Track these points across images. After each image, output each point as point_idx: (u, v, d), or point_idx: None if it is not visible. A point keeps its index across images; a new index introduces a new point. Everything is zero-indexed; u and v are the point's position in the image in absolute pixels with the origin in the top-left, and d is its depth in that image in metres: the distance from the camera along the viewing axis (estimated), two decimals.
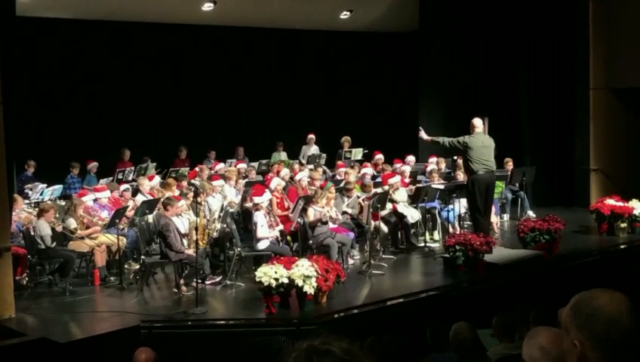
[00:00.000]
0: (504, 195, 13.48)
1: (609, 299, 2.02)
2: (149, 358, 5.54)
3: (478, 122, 10.75)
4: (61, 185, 12.57)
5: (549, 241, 10.47)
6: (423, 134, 11.16)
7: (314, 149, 15.95)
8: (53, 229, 9.57)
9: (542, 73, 15.15)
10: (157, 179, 12.39)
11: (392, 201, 11.51)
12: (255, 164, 14.69)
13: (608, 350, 1.97)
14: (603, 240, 11.83)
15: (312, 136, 16.18)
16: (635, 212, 11.90)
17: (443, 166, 13.84)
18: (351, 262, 10.61)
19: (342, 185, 11.71)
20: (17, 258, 9.05)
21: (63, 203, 11.25)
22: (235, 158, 15.34)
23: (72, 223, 9.88)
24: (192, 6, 15.42)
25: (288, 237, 10.47)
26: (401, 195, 11.72)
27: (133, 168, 13.68)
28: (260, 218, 9.69)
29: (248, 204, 10.98)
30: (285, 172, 12.50)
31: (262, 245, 9.70)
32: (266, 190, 10.45)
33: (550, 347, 2.86)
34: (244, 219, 11.09)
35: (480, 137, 10.72)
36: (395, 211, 11.47)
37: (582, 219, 12.87)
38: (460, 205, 11.74)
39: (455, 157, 12.71)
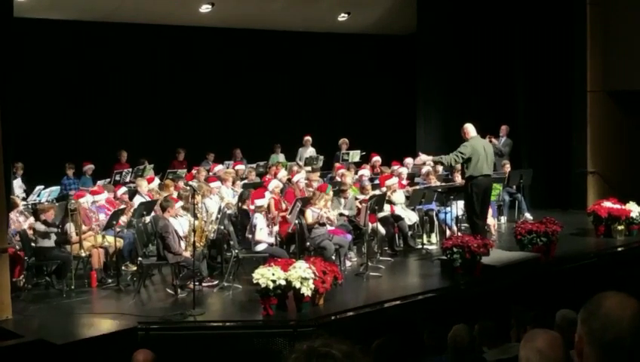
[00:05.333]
0: (501, 198, 13.49)
1: (616, 301, 2.04)
2: (147, 360, 5.53)
3: (470, 127, 10.78)
4: (58, 187, 12.55)
5: (547, 244, 10.47)
6: (423, 156, 11.18)
7: (310, 151, 15.96)
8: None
9: (539, 76, 15.17)
10: (157, 181, 12.38)
11: (390, 203, 11.52)
12: (253, 166, 14.69)
13: (601, 348, 2.00)
14: (600, 242, 11.85)
15: (308, 137, 16.19)
16: (632, 214, 11.92)
17: (440, 168, 13.84)
18: (348, 264, 10.61)
19: (337, 186, 11.72)
20: (14, 259, 9.05)
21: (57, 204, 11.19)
22: (233, 160, 15.34)
23: (69, 229, 9.83)
24: (189, 7, 15.41)
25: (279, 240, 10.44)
26: (399, 197, 11.73)
27: (130, 170, 13.66)
28: (260, 220, 9.70)
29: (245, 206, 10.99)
30: (283, 174, 12.50)
31: (260, 247, 9.70)
32: (266, 192, 10.47)
33: (548, 350, 2.86)
34: (241, 220, 11.09)
35: (480, 141, 10.71)
36: (392, 213, 11.48)
37: (579, 222, 12.89)
38: (458, 207, 11.74)
39: None
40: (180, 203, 10.18)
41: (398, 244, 11.66)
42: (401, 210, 11.63)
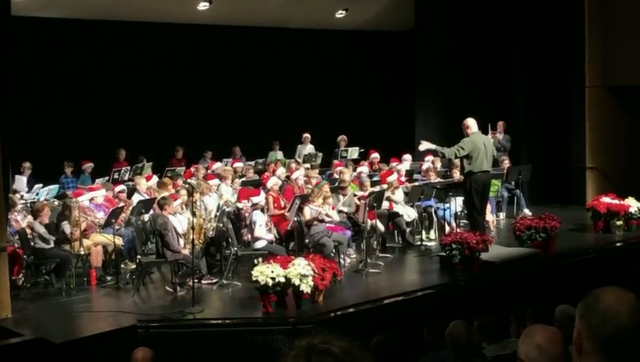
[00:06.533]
0: (500, 194, 13.49)
1: (614, 296, 2.04)
2: (146, 357, 5.53)
3: (472, 122, 10.72)
4: (57, 186, 12.54)
5: (545, 239, 10.48)
6: (425, 145, 10.92)
7: (309, 148, 15.96)
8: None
9: (538, 71, 15.17)
10: (155, 178, 12.37)
11: (389, 200, 11.51)
12: (251, 163, 14.68)
13: (601, 343, 2.01)
14: (599, 238, 11.85)
15: (307, 135, 16.19)
16: (631, 210, 11.92)
17: (439, 164, 13.85)
18: (347, 260, 10.61)
19: (336, 183, 11.72)
20: (13, 258, 9.04)
21: (57, 203, 11.17)
22: (232, 158, 15.34)
23: (66, 228, 9.82)
24: (187, 5, 15.39)
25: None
26: (399, 196, 11.69)
27: (129, 168, 13.65)
28: (258, 217, 9.70)
29: (241, 204, 11.01)
30: (281, 171, 12.50)
31: (259, 244, 9.70)
32: (261, 191, 10.49)
33: (547, 346, 2.86)
34: (239, 218, 11.11)
35: (480, 137, 10.68)
36: (388, 210, 11.46)
37: (578, 217, 12.89)
38: (456, 203, 11.74)
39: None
40: (179, 200, 10.18)
41: (397, 241, 11.65)
42: (400, 207, 11.62)
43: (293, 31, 17.50)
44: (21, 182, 12.28)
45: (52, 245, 9.55)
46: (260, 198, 10.02)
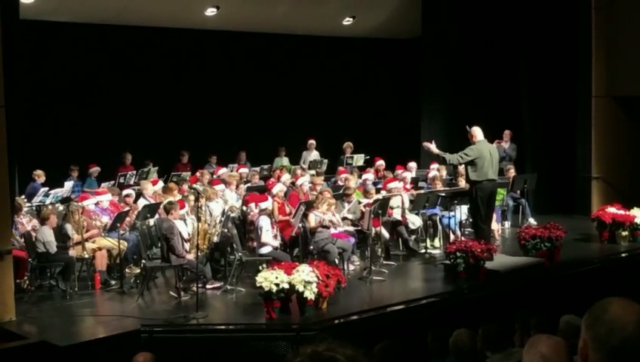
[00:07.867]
0: (506, 202, 13.48)
1: (620, 306, 2.05)
2: None
3: (478, 131, 10.74)
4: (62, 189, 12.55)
5: (550, 249, 10.47)
6: (432, 146, 11.00)
7: (314, 155, 15.96)
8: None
9: (544, 81, 15.16)
10: (160, 183, 12.38)
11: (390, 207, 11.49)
12: (257, 169, 14.69)
13: (607, 353, 2.00)
14: (604, 248, 11.83)
15: (312, 141, 16.19)
16: (637, 220, 11.90)
17: (444, 172, 13.83)
18: (352, 267, 10.61)
19: (342, 190, 11.72)
20: (18, 261, 9.05)
21: (61, 208, 11.18)
22: (237, 163, 15.34)
23: (69, 231, 9.82)
24: (195, 11, 15.44)
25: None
26: (395, 201, 11.64)
27: (134, 172, 13.67)
28: (265, 222, 9.71)
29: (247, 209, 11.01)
30: (286, 177, 12.51)
31: (264, 250, 9.70)
32: (268, 196, 10.50)
33: (551, 355, 2.86)
34: (244, 223, 11.11)
35: (486, 146, 10.69)
36: (388, 215, 11.45)
37: (583, 227, 12.87)
38: (462, 212, 11.73)
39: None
40: (186, 208, 10.18)
41: (402, 249, 11.64)
42: (399, 212, 11.57)
43: (300, 37, 17.54)
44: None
45: (55, 246, 9.54)
46: (268, 204, 10.04)
